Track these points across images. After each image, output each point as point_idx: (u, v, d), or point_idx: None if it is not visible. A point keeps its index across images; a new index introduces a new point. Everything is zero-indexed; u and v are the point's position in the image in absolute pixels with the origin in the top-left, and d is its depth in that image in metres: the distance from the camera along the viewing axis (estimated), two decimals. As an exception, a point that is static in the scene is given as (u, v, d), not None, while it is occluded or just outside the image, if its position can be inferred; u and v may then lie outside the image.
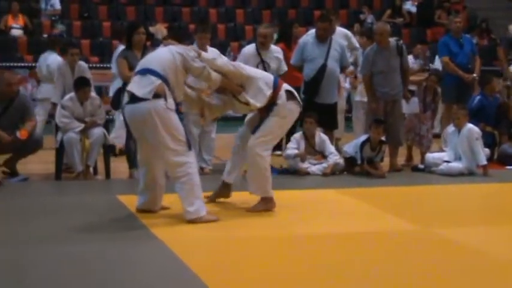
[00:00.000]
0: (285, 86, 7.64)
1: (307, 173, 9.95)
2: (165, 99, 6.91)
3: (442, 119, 12.61)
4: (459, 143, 10.28)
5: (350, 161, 10.14)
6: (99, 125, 9.61)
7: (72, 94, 9.54)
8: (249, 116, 7.98)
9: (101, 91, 14.00)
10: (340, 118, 11.47)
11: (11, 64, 16.70)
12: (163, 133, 6.91)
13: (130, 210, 7.50)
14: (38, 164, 9.95)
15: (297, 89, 10.71)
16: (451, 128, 10.55)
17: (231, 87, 7.53)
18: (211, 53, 9.25)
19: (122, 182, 9.44)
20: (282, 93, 7.54)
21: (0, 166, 9.64)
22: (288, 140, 10.43)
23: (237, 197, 8.01)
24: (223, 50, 12.08)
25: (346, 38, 11.65)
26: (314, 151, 10.14)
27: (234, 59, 11.10)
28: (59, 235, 6.59)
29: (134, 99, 6.96)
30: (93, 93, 9.78)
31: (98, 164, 9.73)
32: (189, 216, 7.01)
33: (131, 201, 7.65)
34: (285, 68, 10.26)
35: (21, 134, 9.18)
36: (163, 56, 7.13)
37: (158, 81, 6.92)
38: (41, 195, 8.51)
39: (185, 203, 7.04)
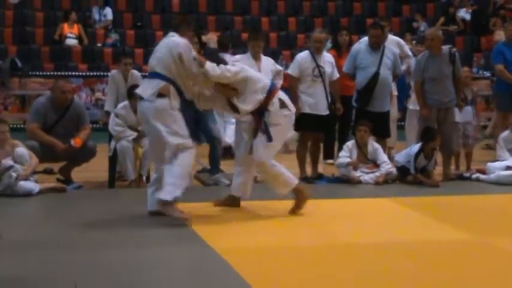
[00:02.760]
0: (280, 94, 7.74)
1: (360, 182, 9.89)
2: (169, 100, 7.24)
3: (495, 127, 12.44)
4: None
5: (402, 170, 10.05)
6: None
7: (126, 103, 9.61)
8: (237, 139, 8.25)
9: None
10: (393, 127, 11.38)
11: (66, 73, 16.93)
12: (163, 128, 7.24)
13: (181, 217, 7.52)
14: (92, 172, 10.04)
15: (348, 98, 10.75)
16: (507, 133, 10.45)
17: (224, 93, 7.63)
18: (266, 61, 9.31)
19: (174, 190, 9.47)
20: (275, 101, 7.61)
21: (56, 174, 9.76)
22: (340, 148, 10.39)
23: (282, 204, 7.97)
24: (275, 58, 12.06)
25: (398, 45, 11.57)
26: (367, 160, 10.07)
27: (287, 67, 11.09)
28: (113, 241, 6.66)
29: (142, 99, 7.38)
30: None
31: (150, 172, 9.78)
32: (163, 196, 7.23)
33: (182, 208, 7.67)
34: (337, 74, 10.24)
35: (76, 142, 9.29)
36: (166, 59, 7.36)
37: (163, 83, 7.27)
38: (95, 203, 8.58)
39: (165, 185, 7.26)
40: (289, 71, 10.20)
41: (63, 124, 9.49)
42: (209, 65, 7.46)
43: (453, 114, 10.47)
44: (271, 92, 7.61)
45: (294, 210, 7.77)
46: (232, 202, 8.15)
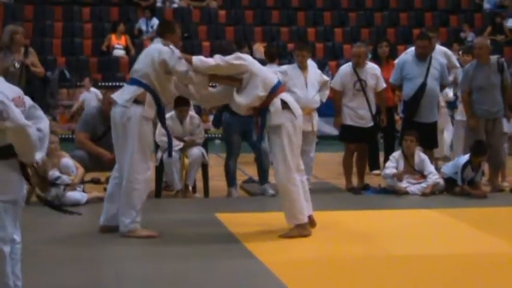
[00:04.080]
0: (283, 95, 7.43)
1: (406, 193, 9.81)
2: (144, 107, 7.15)
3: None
4: None
5: (449, 182, 9.96)
6: (198, 144, 9.71)
7: (172, 113, 9.67)
8: None
9: (200, 110, 14.17)
10: (440, 137, 11.29)
11: (113, 84, 17.09)
12: (131, 140, 7.17)
13: (228, 229, 7.55)
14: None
15: (390, 109, 10.68)
16: None
17: (227, 82, 7.49)
18: (312, 72, 9.29)
19: (221, 200, 9.50)
20: (277, 101, 7.31)
21: (103, 183, 9.83)
22: (386, 159, 10.33)
23: (327, 215, 7.94)
24: (321, 68, 12.05)
25: (445, 56, 11.49)
26: (413, 170, 10.00)
27: (332, 77, 11.07)
28: (159, 251, 6.69)
29: (116, 105, 7.29)
30: (192, 112, 9.88)
31: (196, 182, 9.83)
32: (121, 229, 7.19)
33: (229, 219, 7.71)
34: (383, 84, 10.19)
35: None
36: (146, 66, 7.25)
37: (140, 90, 7.18)
38: (142, 212, 8.61)
39: (122, 214, 7.22)
40: (332, 84, 10.18)
41: (111, 135, 9.56)
42: (197, 60, 7.28)
43: (501, 124, 10.35)
44: (274, 91, 7.34)
45: (284, 235, 7.35)
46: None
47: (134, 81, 7.31)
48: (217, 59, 7.31)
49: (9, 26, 10.43)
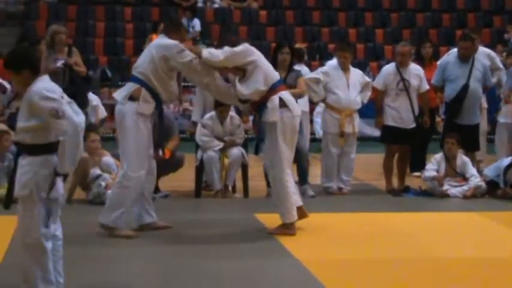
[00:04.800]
0: (283, 93, 7.42)
1: (447, 195, 9.73)
2: (138, 103, 7.14)
3: None
4: None
5: (492, 184, 9.85)
6: (238, 144, 9.72)
7: (213, 113, 9.69)
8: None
9: (240, 111, 14.18)
10: (482, 140, 11.17)
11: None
12: (125, 137, 7.21)
13: (268, 229, 7.54)
14: (179, 181, 10.14)
15: (431, 111, 10.59)
16: None
17: (230, 71, 7.49)
18: (354, 73, 9.30)
19: (260, 200, 9.49)
20: (275, 98, 7.32)
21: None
22: (420, 160, 10.25)
23: (364, 216, 7.91)
24: (362, 69, 12.00)
25: (489, 58, 11.37)
26: (455, 173, 9.90)
27: (374, 79, 11.01)
28: (199, 251, 6.72)
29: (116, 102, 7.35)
30: (232, 113, 9.89)
31: (236, 182, 9.83)
32: (101, 220, 7.20)
33: (269, 220, 7.70)
34: (426, 86, 10.11)
35: (165, 152, 9.36)
36: (144, 62, 7.28)
37: (135, 86, 7.20)
38: (182, 211, 8.66)
39: (105, 209, 7.23)
40: (374, 84, 10.11)
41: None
42: (206, 53, 7.30)
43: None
44: (274, 88, 7.34)
45: (272, 232, 7.42)
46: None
47: (132, 78, 7.38)
48: (226, 52, 7.31)
49: (53, 26, 10.54)
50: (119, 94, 7.38)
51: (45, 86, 4.96)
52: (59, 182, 5.03)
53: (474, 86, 10.19)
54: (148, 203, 7.54)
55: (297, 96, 9.70)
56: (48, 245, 5.01)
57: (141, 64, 7.32)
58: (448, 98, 10.29)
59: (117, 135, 7.52)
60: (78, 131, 4.88)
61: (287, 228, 7.38)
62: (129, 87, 7.31)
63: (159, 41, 7.44)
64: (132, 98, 7.20)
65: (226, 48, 7.34)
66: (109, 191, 8.77)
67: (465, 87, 10.13)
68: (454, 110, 10.18)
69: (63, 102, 4.90)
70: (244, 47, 7.41)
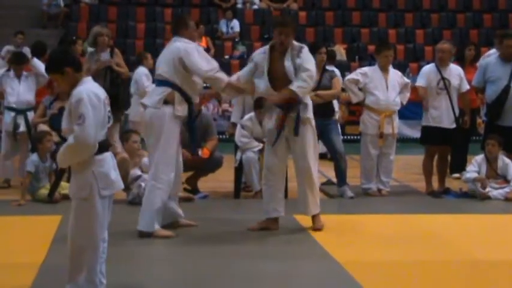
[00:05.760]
0: None
1: (488, 197, 9.63)
2: (173, 106, 7.19)
3: None
4: None
5: (534, 186, 9.75)
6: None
7: (252, 114, 9.70)
8: (267, 152, 7.78)
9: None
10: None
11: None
12: (158, 140, 7.20)
13: (307, 230, 7.55)
14: (218, 182, 10.17)
15: (472, 112, 10.47)
16: None
17: None
18: (393, 74, 9.29)
19: (299, 201, 9.49)
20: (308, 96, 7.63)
21: (183, 183, 9.93)
22: (460, 161, 10.17)
23: (402, 219, 7.87)
24: (402, 70, 11.96)
25: None
26: (496, 175, 9.81)
27: (413, 80, 10.95)
28: (237, 251, 6.76)
29: (147, 107, 7.33)
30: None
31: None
32: (139, 227, 7.20)
33: (307, 221, 7.70)
34: (466, 86, 10.01)
35: (204, 152, 9.43)
36: (169, 65, 7.30)
37: (168, 90, 7.21)
38: (221, 212, 8.70)
39: (141, 216, 7.23)
40: (417, 83, 10.03)
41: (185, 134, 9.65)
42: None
43: None
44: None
45: (320, 228, 7.56)
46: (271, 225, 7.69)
47: (161, 83, 7.38)
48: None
49: (95, 27, 10.62)
50: (149, 100, 7.38)
51: (92, 89, 4.99)
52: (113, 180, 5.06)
53: (516, 87, 10.09)
54: (175, 202, 7.68)
55: (332, 97, 9.76)
56: (101, 246, 5.06)
57: (165, 68, 7.36)
58: (489, 99, 10.19)
59: (147, 138, 7.52)
60: (81, 144, 4.86)
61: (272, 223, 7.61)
62: (161, 91, 7.32)
63: (176, 45, 7.44)
64: (167, 101, 7.25)
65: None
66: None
67: (506, 88, 10.01)
68: (495, 111, 10.07)
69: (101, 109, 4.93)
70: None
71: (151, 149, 7.42)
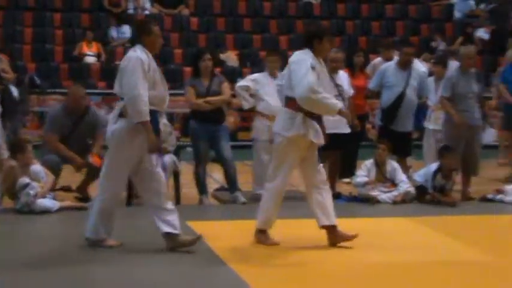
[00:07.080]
0: None
1: (377, 201, 9.83)
2: (127, 120, 6.78)
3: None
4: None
5: (421, 189, 9.99)
6: (169, 151, 9.66)
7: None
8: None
9: (172, 118, 14.13)
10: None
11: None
12: (111, 155, 6.93)
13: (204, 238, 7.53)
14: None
15: (361, 117, 10.65)
16: None
17: None
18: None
19: (191, 207, 9.46)
20: None
21: (73, 191, 9.75)
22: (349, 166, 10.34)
23: (296, 224, 7.92)
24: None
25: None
26: (385, 179, 10.02)
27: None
28: (127, 258, 6.69)
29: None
30: (164, 120, 9.81)
31: (168, 190, 9.75)
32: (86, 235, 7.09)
33: (200, 227, 7.68)
34: (351, 91, 10.17)
35: (94, 160, 9.22)
36: (120, 78, 6.88)
37: (123, 103, 6.83)
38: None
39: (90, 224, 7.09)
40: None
41: (79, 132, 9.50)
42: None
43: (480, 134, 10.48)
44: None
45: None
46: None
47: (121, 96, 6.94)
48: None
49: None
50: (111, 116, 7.04)
51: None
52: None
53: (410, 94, 10.39)
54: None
55: (222, 102, 9.78)
56: None
57: (118, 82, 6.90)
58: (385, 104, 10.47)
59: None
60: None
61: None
62: (119, 105, 6.91)
63: (127, 55, 6.92)
64: (122, 114, 6.83)
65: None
66: (39, 200, 8.68)
67: (401, 95, 10.32)
68: (390, 116, 10.37)
69: None
70: None
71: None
